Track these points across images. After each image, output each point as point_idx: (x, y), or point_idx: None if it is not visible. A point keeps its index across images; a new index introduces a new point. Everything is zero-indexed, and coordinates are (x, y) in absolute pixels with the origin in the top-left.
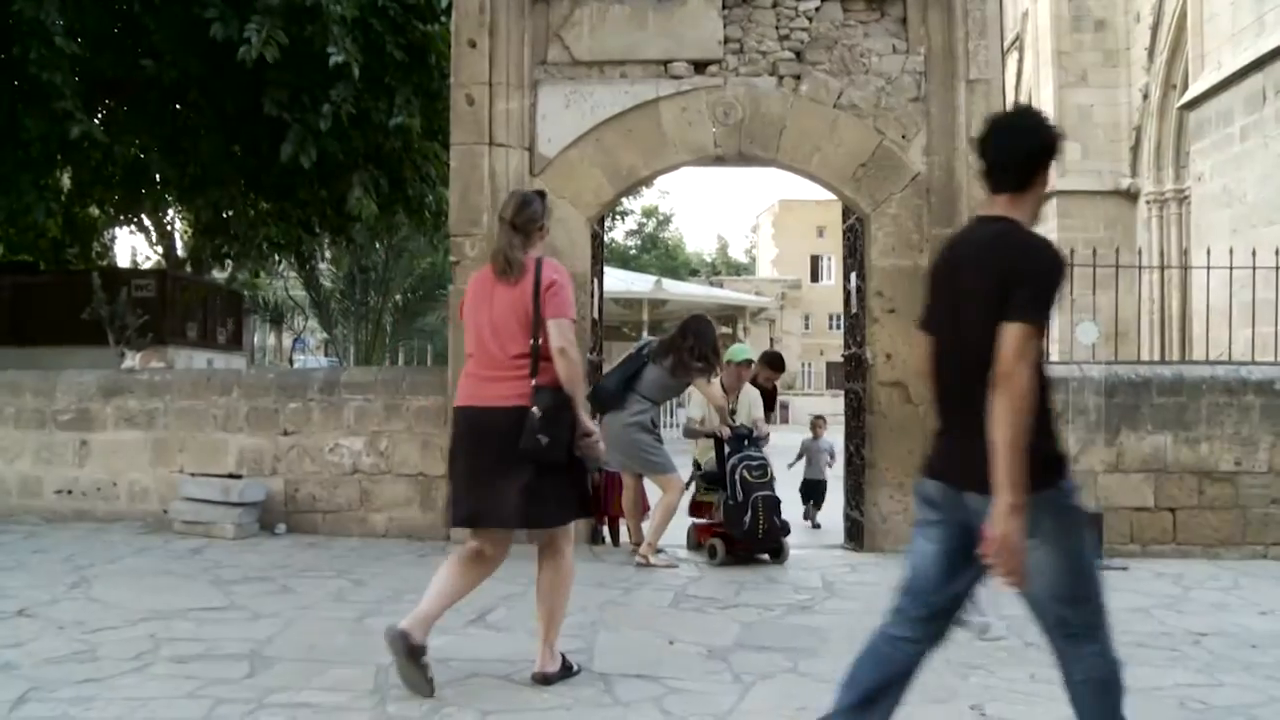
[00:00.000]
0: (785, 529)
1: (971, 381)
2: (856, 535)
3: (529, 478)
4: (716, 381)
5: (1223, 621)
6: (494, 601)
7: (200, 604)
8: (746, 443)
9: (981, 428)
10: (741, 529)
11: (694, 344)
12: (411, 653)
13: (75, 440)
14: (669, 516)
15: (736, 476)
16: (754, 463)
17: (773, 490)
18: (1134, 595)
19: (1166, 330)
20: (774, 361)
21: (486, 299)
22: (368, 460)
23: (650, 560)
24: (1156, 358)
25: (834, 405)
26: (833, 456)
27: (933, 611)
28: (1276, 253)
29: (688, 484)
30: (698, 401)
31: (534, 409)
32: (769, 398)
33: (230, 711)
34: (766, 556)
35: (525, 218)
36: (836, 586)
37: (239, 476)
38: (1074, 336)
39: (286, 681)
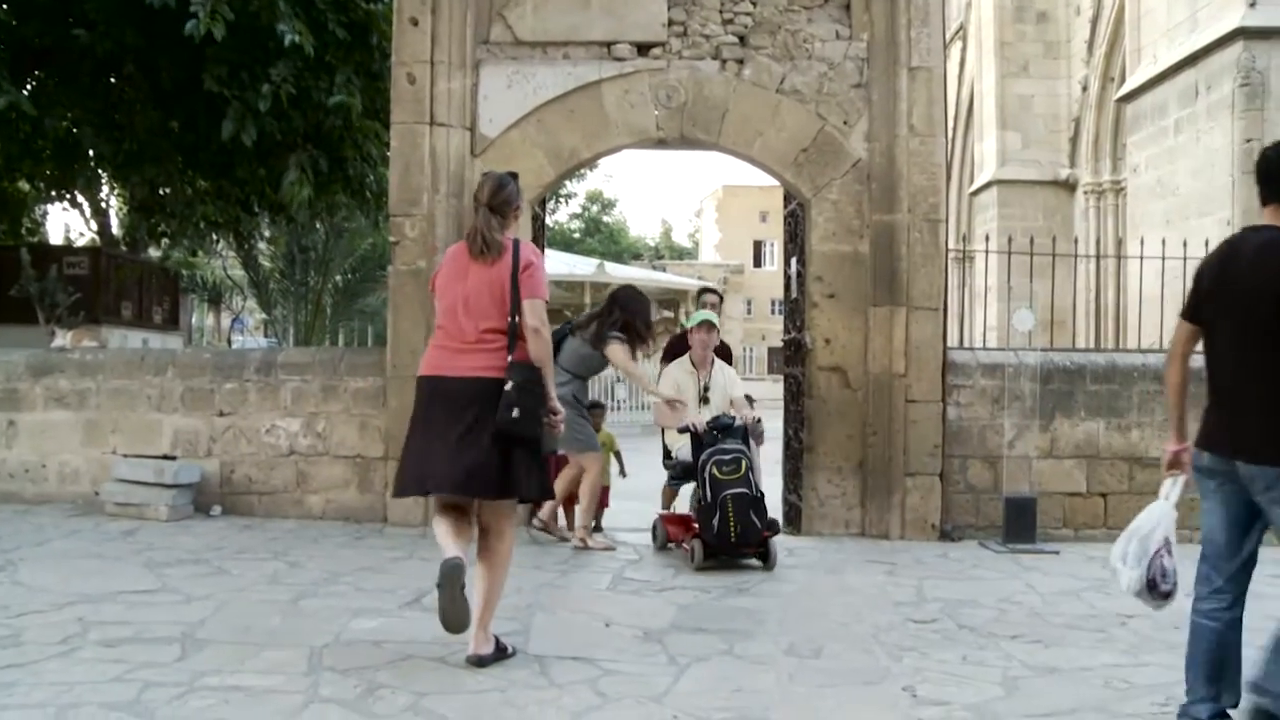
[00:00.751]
0: (772, 528)
1: (1247, 365)
2: (794, 519)
3: (499, 450)
4: (624, 348)
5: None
6: (430, 584)
7: (131, 587)
8: (720, 435)
9: (1252, 405)
10: (712, 532)
11: (619, 316)
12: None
13: (2, 421)
14: (594, 496)
15: (706, 474)
16: (726, 457)
17: (749, 487)
18: (1065, 578)
19: (1102, 319)
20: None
21: (461, 275)
22: (305, 442)
23: (588, 543)
24: (1092, 346)
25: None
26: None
27: (1233, 573)
28: (1207, 244)
29: (670, 479)
30: (669, 383)
31: (510, 382)
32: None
33: (160, 695)
34: (757, 561)
35: (501, 199)
36: (774, 570)
37: (173, 458)
38: (1010, 324)
39: (219, 664)
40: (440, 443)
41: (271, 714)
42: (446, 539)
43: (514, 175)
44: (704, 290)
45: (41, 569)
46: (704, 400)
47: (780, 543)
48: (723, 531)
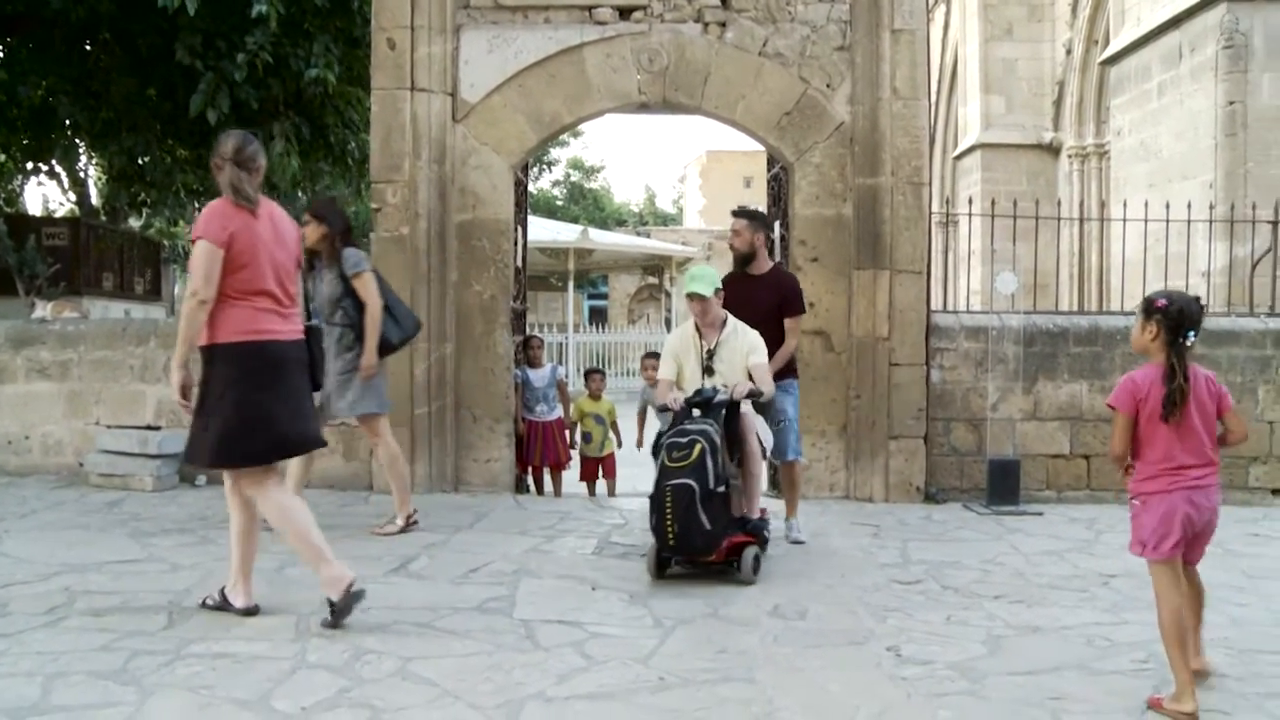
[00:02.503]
0: (743, 526)
1: None
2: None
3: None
4: (369, 277)
5: (1130, 564)
6: (416, 550)
7: (117, 557)
8: (696, 412)
9: None
10: (651, 529)
11: (337, 229)
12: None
13: None
14: (398, 471)
15: (658, 461)
16: (682, 439)
17: (700, 478)
18: (1048, 539)
19: (1085, 282)
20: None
21: (265, 240)
22: None
23: (382, 530)
24: (1075, 309)
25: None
26: None
27: None
28: (1189, 207)
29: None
30: (670, 352)
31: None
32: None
33: (147, 663)
34: (736, 566)
35: (247, 156)
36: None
37: (157, 428)
38: (994, 287)
39: (205, 632)
40: (297, 403)
41: (259, 680)
42: (301, 520)
43: (256, 134)
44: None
45: (27, 540)
46: (707, 370)
47: (763, 505)
48: (659, 532)
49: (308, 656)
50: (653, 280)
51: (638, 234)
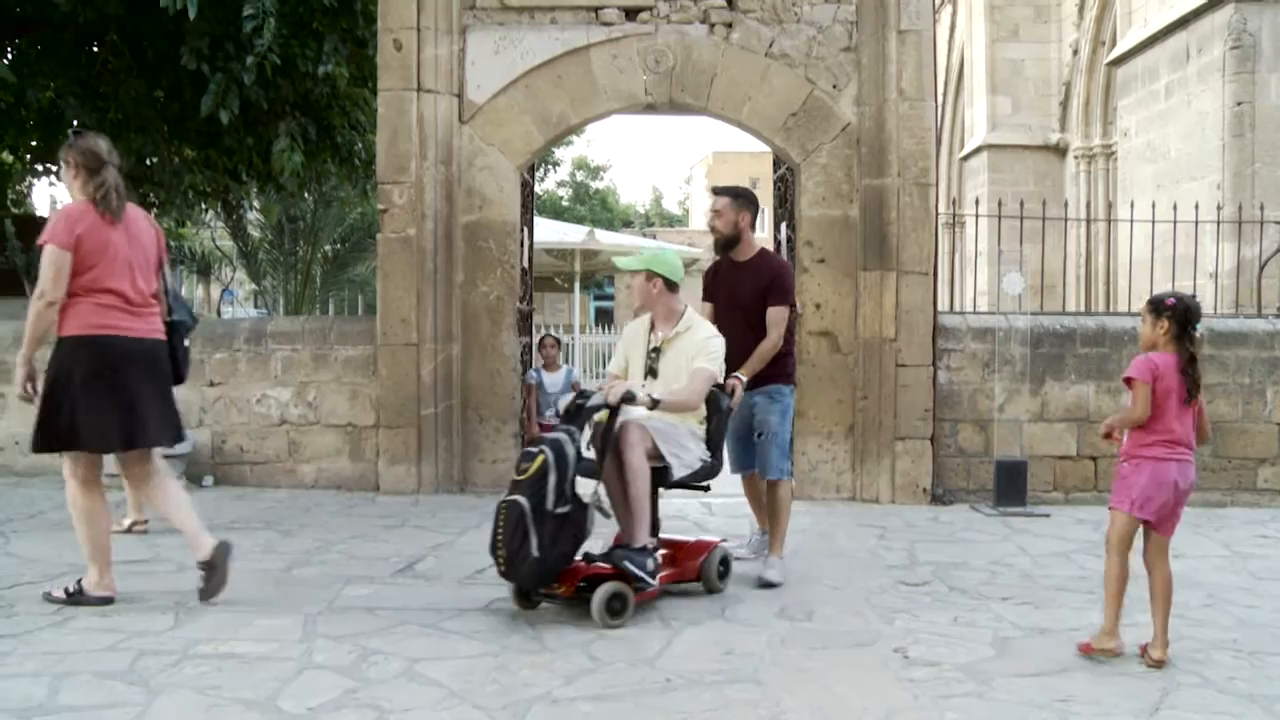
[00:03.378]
0: (609, 560)
1: None
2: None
3: (168, 403)
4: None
5: (1138, 565)
6: (423, 551)
7: (124, 557)
8: (578, 412)
9: None
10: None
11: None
12: None
13: None
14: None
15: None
16: (534, 448)
17: (537, 496)
18: (1055, 541)
19: (1092, 283)
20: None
21: (117, 241)
22: (295, 411)
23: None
24: (1082, 309)
25: None
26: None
27: None
28: (1196, 208)
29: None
30: (622, 343)
31: (186, 342)
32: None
33: (154, 663)
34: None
35: (116, 159)
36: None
37: None
38: (1001, 288)
39: (213, 633)
40: (149, 400)
41: (266, 680)
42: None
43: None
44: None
45: (34, 540)
46: (650, 371)
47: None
48: (492, 555)
49: (314, 657)
50: None
51: (644, 235)
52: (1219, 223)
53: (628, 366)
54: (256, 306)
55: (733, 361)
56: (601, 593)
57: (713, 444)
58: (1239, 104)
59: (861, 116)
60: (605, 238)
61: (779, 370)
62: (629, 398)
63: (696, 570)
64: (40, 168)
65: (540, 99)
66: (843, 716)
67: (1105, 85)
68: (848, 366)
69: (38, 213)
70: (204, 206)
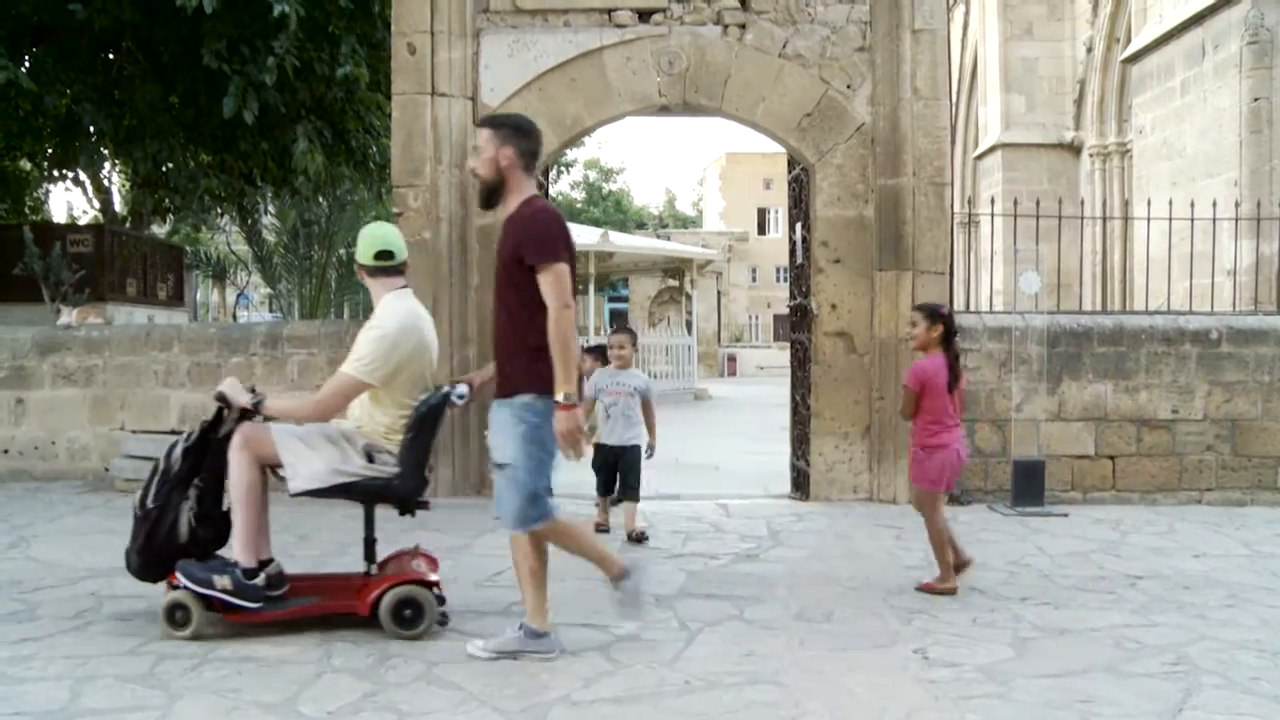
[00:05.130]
0: (182, 572)
1: None
2: (802, 485)
3: None
4: None
5: (1158, 565)
6: (440, 555)
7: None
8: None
9: None
10: None
11: None
12: None
13: (11, 398)
14: None
15: None
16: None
17: (142, 493)
18: (1074, 540)
19: (1108, 281)
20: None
21: None
22: None
23: None
24: (1098, 308)
25: (781, 357)
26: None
27: None
28: (1214, 205)
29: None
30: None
31: None
32: None
33: (174, 667)
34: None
35: None
36: (782, 535)
37: (182, 433)
38: (1017, 286)
39: (232, 636)
40: None
41: (285, 684)
42: None
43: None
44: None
45: (54, 545)
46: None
47: (787, 508)
48: None
49: (333, 661)
50: (673, 283)
51: (658, 237)
52: (1237, 220)
53: None
54: (271, 310)
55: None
56: (169, 601)
57: (409, 457)
58: (1256, 100)
59: (876, 116)
60: (619, 240)
61: (524, 371)
62: (220, 397)
63: (367, 607)
64: (57, 174)
65: (554, 101)
66: (863, 718)
67: (1120, 82)
68: (864, 367)
69: (55, 219)
70: (220, 211)
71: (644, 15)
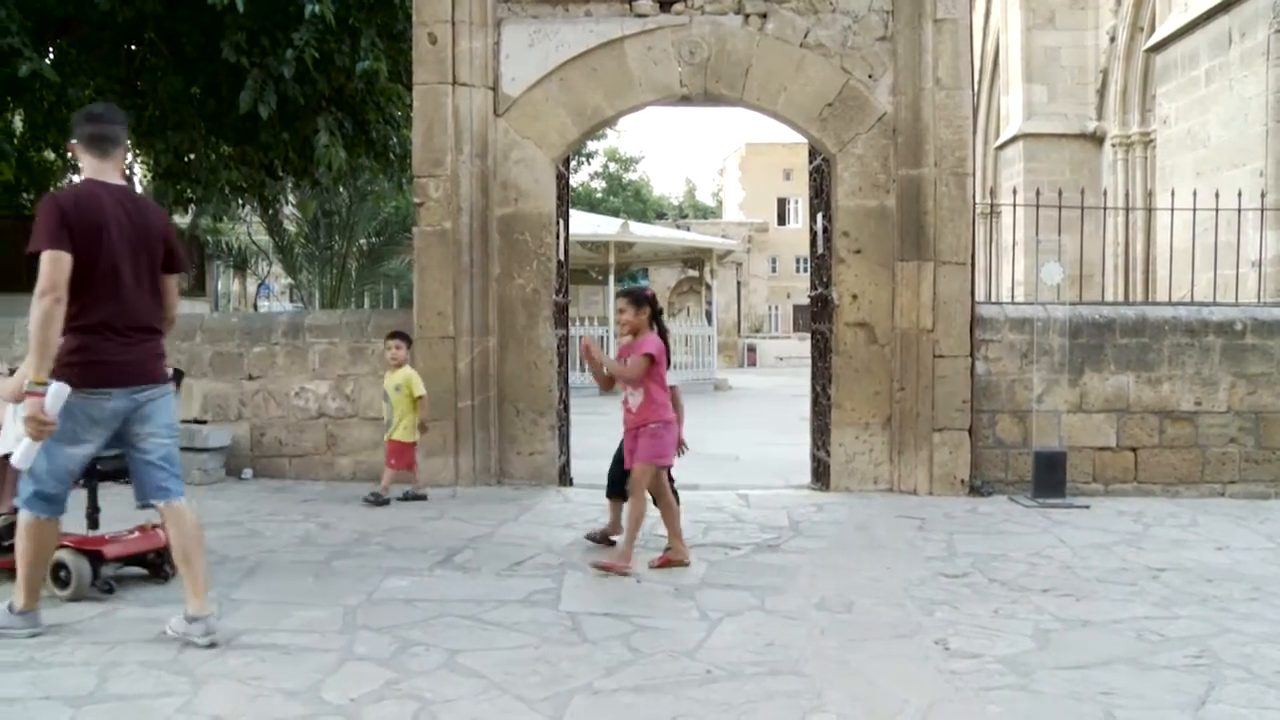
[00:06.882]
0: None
1: None
2: (822, 475)
3: None
4: None
5: (1180, 557)
6: (461, 544)
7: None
8: None
9: None
10: None
11: None
12: None
13: None
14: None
15: None
16: None
17: None
18: (1096, 532)
19: (1131, 272)
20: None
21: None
22: (333, 404)
23: None
24: (1121, 299)
25: (802, 347)
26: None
27: None
28: (1239, 195)
29: None
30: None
31: None
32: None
33: (198, 654)
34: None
35: None
36: (802, 526)
37: (204, 422)
38: (1039, 277)
39: (254, 624)
40: None
41: (307, 671)
42: None
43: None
44: None
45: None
46: None
47: (807, 498)
48: None
49: (355, 648)
50: (693, 273)
51: (677, 227)
52: (1262, 210)
53: None
54: (292, 301)
55: None
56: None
57: None
58: None
59: (898, 106)
60: (640, 230)
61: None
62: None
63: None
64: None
65: (575, 91)
66: (884, 708)
67: (1143, 72)
68: (885, 358)
69: None
70: (241, 202)
71: (665, 4)
